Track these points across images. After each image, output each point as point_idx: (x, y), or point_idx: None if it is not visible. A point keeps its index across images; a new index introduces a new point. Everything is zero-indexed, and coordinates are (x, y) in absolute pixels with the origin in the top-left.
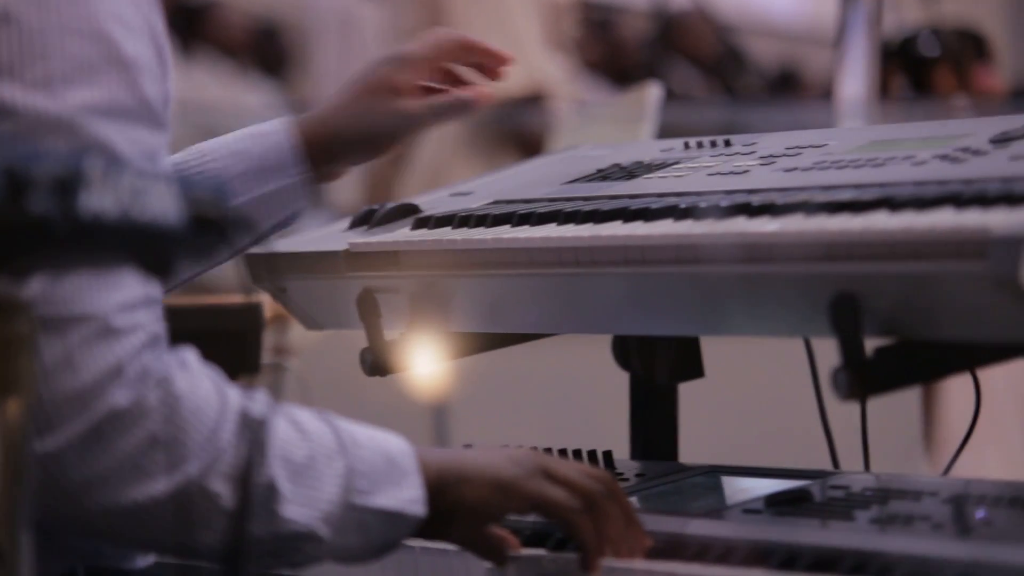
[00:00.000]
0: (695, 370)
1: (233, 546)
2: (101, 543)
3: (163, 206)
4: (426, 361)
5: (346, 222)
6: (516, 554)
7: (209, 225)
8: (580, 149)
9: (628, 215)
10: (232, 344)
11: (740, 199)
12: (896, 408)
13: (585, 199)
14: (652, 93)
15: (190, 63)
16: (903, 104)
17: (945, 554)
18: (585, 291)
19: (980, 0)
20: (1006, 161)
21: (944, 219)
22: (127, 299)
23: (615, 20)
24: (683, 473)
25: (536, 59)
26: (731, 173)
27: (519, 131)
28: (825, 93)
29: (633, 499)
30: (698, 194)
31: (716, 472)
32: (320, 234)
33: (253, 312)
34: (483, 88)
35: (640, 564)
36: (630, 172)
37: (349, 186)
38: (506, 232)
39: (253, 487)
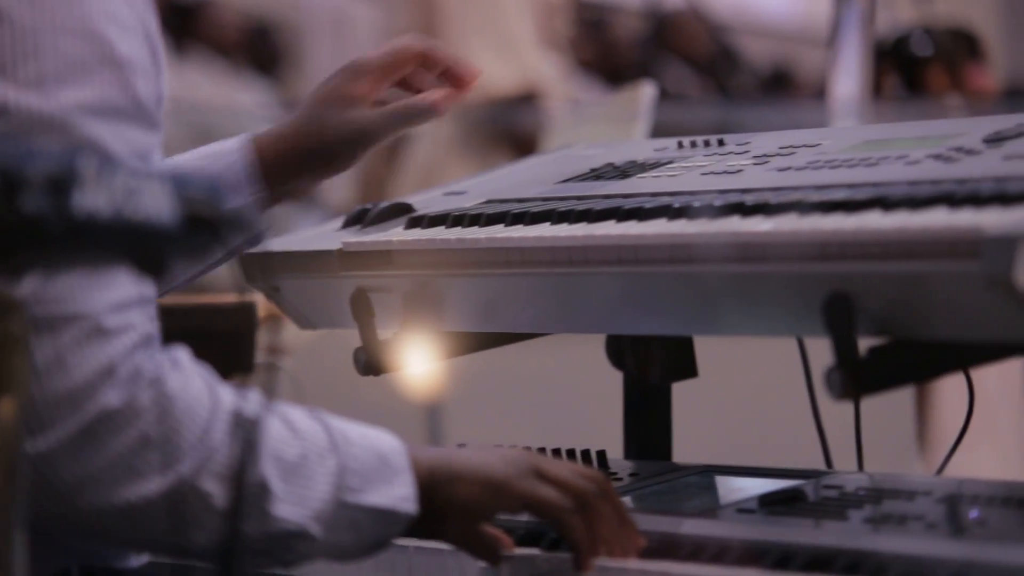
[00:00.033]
0: (689, 370)
1: (226, 545)
2: (94, 543)
3: (157, 205)
4: (419, 360)
5: (339, 221)
6: (510, 554)
7: (203, 224)
8: (574, 148)
9: (622, 214)
10: (226, 343)
11: (734, 199)
12: (890, 408)
13: (579, 198)
14: (646, 92)
15: (183, 62)
16: (896, 104)
17: (939, 554)
18: (579, 290)
19: (973, 0)
20: (999, 161)
21: (937, 219)
22: (120, 299)
23: (608, 19)
24: (677, 473)
25: (529, 58)
26: (725, 172)
27: (512, 130)
28: (818, 93)
29: (627, 499)
30: (692, 193)
31: (710, 472)
32: (313, 233)
33: (247, 311)
34: (444, 92)
35: (634, 564)
36: (624, 171)
37: (342, 185)
38: (500, 231)
39: (245, 487)
